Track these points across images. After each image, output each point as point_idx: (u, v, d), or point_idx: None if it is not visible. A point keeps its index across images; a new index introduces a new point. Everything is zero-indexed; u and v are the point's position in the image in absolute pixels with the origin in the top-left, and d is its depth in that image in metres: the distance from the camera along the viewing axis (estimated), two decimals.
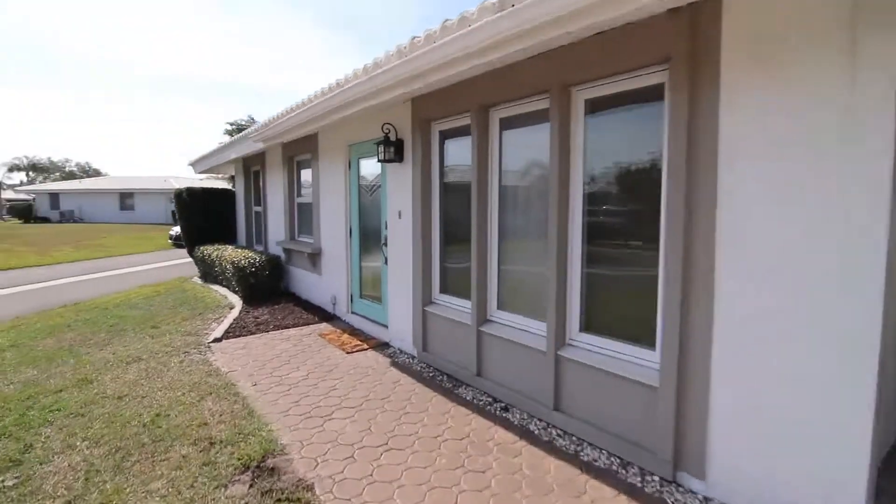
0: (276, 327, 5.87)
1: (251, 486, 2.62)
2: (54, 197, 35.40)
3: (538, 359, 3.39)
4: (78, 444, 3.11)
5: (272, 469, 2.78)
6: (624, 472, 2.76)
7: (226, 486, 2.62)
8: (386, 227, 5.21)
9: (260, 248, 9.44)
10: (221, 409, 3.59)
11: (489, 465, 2.84)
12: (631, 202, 3.02)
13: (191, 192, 10.71)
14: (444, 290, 4.59)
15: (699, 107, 2.41)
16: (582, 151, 3.14)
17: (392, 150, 4.70)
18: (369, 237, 5.75)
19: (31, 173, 54.29)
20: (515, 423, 3.38)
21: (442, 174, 4.50)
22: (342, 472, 2.77)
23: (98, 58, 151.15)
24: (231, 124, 30.33)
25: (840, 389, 2.03)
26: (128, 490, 2.61)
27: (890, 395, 2.52)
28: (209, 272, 9.29)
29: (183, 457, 2.92)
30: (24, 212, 33.80)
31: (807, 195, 2.09)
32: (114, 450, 3.03)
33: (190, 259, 11.10)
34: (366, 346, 5.15)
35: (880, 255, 1.91)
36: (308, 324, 6.07)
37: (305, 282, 7.51)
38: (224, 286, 8.58)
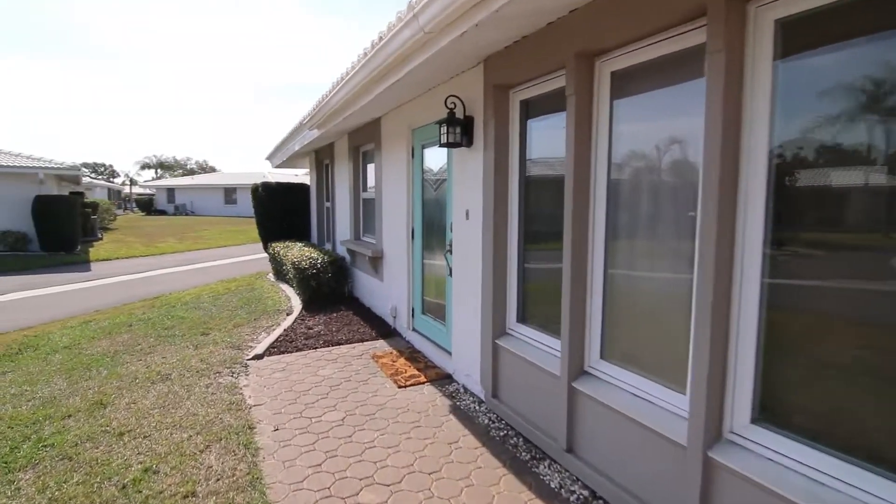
0: (327, 343, 5.07)
1: None
2: (171, 192, 39.02)
3: (667, 451, 2.12)
4: None
5: None
6: None
7: None
8: (451, 230, 4.14)
9: (329, 247, 8.88)
10: (223, 468, 2.76)
11: None
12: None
13: (266, 187, 10.47)
14: (522, 318, 3.41)
15: None
16: (769, 112, 1.80)
17: (458, 130, 3.58)
18: (433, 241, 4.71)
19: (158, 170, 61.30)
20: None
21: (522, 162, 3.32)
22: None
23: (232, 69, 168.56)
24: None
25: None
26: None
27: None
28: (280, 270, 8.91)
29: None
30: (147, 205, 37.71)
31: None
32: None
33: None
34: (423, 378, 4.13)
35: None
36: (363, 340, 5.20)
37: (368, 287, 6.70)
38: (291, 286, 8.11)
